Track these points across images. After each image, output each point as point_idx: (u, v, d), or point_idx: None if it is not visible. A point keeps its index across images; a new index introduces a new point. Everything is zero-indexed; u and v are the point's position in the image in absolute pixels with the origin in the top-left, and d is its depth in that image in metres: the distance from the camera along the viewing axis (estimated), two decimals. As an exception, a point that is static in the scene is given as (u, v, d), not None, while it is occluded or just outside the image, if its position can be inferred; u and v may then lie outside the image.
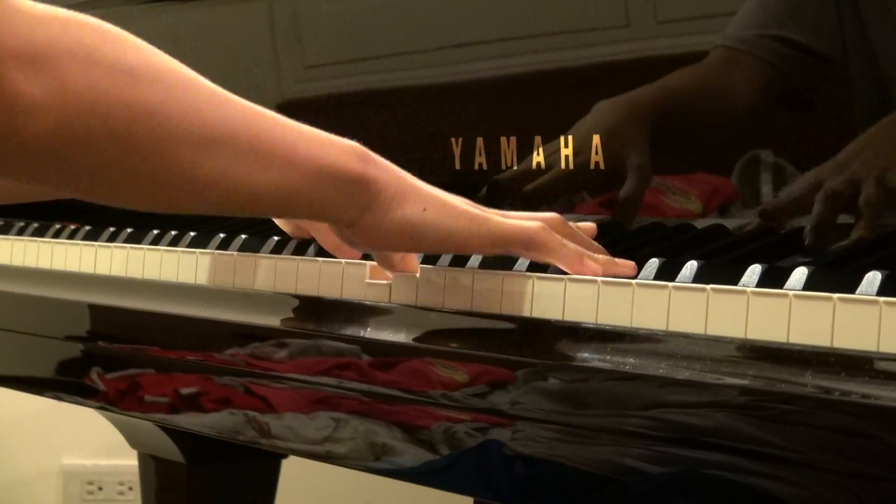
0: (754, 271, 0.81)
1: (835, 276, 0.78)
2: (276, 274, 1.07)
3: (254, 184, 0.85)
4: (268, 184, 0.85)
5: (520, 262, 0.94)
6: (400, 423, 0.92)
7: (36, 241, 1.34)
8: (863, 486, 0.68)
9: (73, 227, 1.35)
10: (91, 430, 2.06)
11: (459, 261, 0.97)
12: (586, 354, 0.82)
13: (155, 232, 1.25)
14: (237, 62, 1.33)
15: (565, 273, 0.88)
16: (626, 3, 1.04)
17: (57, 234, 1.37)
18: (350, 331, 0.97)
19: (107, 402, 1.22)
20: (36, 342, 1.29)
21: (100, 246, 1.26)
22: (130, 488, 2.35)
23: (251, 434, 1.05)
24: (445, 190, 0.92)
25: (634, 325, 0.82)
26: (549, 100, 1.08)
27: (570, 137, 1.04)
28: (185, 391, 1.12)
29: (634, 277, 0.86)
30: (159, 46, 0.83)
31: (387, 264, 0.96)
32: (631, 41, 1.05)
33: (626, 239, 0.98)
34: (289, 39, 1.34)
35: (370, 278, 0.98)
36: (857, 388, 0.69)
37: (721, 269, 0.84)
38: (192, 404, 1.11)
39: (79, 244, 1.28)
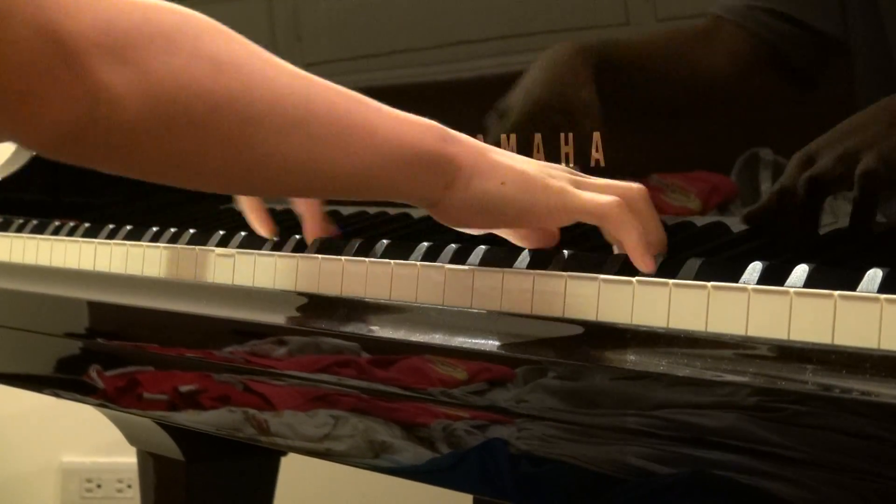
0: (755, 269, 0.81)
1: (836, 273, 0.78)
2: (275, 271, 1.07)
3: (335, 165, 0.85)
4: (349, 165, 0.85)
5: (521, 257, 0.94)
6: (399, 420, 0.92)
7: (35, 238, 1.34)
8: (863, 484, 0.68)
9: (72, 224, 1.35)
10: (90, 427, 2.06)
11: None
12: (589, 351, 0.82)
13: (154, 229, 1.25)
14: (237, 59, 1.32)
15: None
16: (626, 1, 1.04)
17: (56, 231, 1.37)
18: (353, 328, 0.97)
19: (106, 399, 1.22)
20: (35, 339, 1.29)
21: (99, 243, 1.25)
22: (129, 486, 2.35)
23: (250, 431, 1.05)
24: None
25: (635, 323, 0.82)
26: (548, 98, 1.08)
27: (570, 135, 1.04)
28: (184, 388, 1.12)
29: (635, 274, 0.86)
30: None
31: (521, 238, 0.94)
32: (630, 39, 1.05)
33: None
34: (288, 37, 1.34)
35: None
36: (858, 386, 0.69)
37: (722, 267, 0.83)
38: (191, 401, 1.11)
39: (78, 241, 1.28)
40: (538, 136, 1.06)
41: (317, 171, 0.85)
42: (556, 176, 0.90)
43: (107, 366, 1.21)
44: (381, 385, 0.93)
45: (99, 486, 2.37)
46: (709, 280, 0.80)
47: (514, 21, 1.12)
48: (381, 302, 0.97)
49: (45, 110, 0.75)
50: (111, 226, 1.31)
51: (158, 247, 1.19)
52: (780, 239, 0.91)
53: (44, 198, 1.44)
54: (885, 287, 0.75)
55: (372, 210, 1.21)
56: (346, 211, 1.24)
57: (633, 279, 0.83)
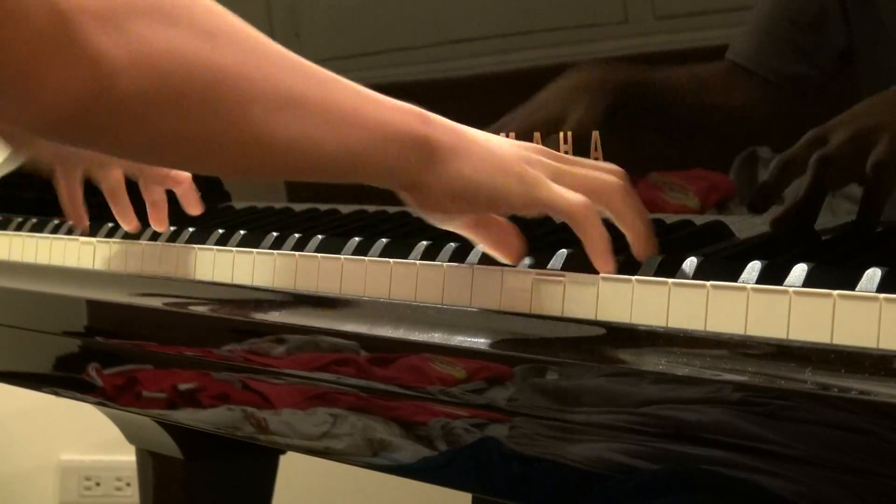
0: (754, 268, 0.81)
1: (835, 272, 0.78)
2: (274, 269, 1.07)
3: (323, 146, 0.85)
4: (336, 146, 0.85)
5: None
6: (398, 419, 0.92)
7: (34, 236, 1.34)
8: (860, 482, 0.68)
9: (71, 222, 1.35)
10: (89, 425, 2.06)
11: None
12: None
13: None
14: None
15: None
16: (625, -1, 1.05)
17: (55, 230, 1.36)
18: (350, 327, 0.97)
19: (105, 397, 1.22)
20: (34, 337, 1.29)
21: (98, 241, 1.25)
22: (128, 484, 2.35)
23: (249, 429, 1.05)
24: None
25: (633, 322, 0.82)
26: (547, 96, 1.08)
27: (568, 133, 1.04)
28: (183, 387, 1.12)
29: (634, 273, 0.86)
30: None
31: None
32: (629, 37, 1.05)
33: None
34: (287, 34, 1.34)
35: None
36: (857, 385, 0.69)
37: (720, 266, 0.83)
38: (190, 400, 1.11)
39: (77, 240, 1.28)
40: (536, 135, 1.06)
41: (307, 151, 0.85)
42: (534, 163, 0.90)
43: (105, 364, 1.21)
44: (379, 383, 0.93)
45: (98, 484, 2.37)
46: (707, 279, 0.80)
47: (512, 19, 1.12)
48: (380, 300, 0.97)
49: (49, 86, 0.74)
50: (110, 224, 1.31)
51: (157, 245, 1.19)
52: (779, 238, 0.91)
53: (42, 196, 1.44)
54: (883, 286, 0.75)
55: (371, 209, 1.21)
56: (346, 209, 1.24)
57: (633, 278, 0.83)
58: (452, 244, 0.98)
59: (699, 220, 0.97)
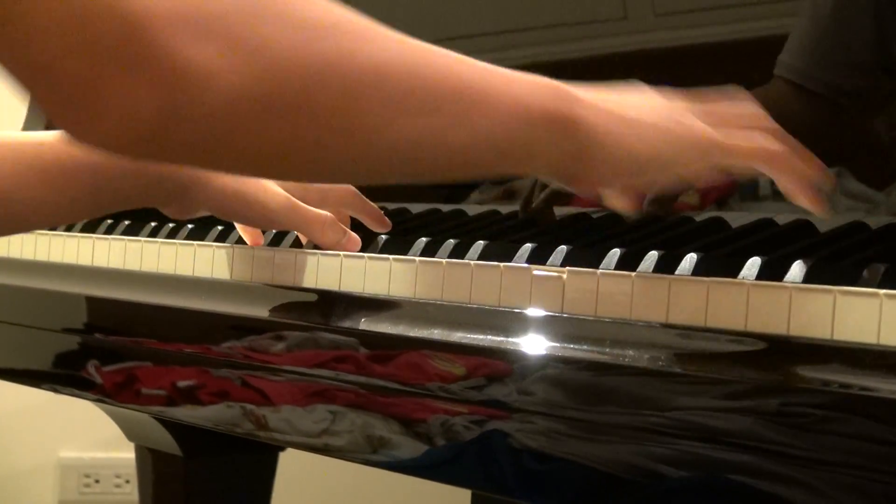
0: (754, 264, 0.81)
1: (835, 268, 0.78)
2: (273, 266, 1.07)
3: (448, 137, 0.75)
4: (463, 136, 0.75)
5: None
6: (397, 416, 0.92)
7: (34, 233, 1.33)
8: (859, 478, 0.68)
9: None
10: (88, 422, 2.06)
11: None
12: (585, 346, 0.82)
13: (153, 224, 1.25)
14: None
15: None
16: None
17: (54, 227, 1.36)
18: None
19: (104, 394, 1.21)
20: (33, 334, 1.29)
21: (97, 238, 1.25)
22: (127, 481, 2.35)
23: (248, 426, 1.05)
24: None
25: (633, 318, 0.82)
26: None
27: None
28: (183, 384, 1.12)
29: (635, 269, 0.86)
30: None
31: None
32: (629, 34, 1.05)
33: (627, 232, 0.98)
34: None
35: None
36: (858, 381, 0.69)
37: (720, 262, 0.83)
38: (189, 397, 1.11)
39: (76, 236, 1.28)
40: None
41: (429, 145, 0.74)
42: (686, 116, 0.81)
43: (105, 361, 1.21)
44: (379, 380, 0.93)
45: (97, 481, 2.37)
46: (707, 275, 0.80)
47: (511, 16, 1.12)
48: (380, 297, 0.97)
49: (121, 97, 0.65)
50: (109, 221, 1.31)
51: (156, 242, 1.19)
52: (779, 234, 0.91)
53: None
54: (884, 282, 0.75)
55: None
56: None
57: (632, 274, 0.82)
58: (452, 241, 0.98)
59: (699, 216, 0.97)
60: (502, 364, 0.85)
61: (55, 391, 1.31)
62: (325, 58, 0.70)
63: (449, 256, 0.97)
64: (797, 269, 0.79)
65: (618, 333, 0.81)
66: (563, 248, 0.90)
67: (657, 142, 0.80)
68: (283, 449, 1.52)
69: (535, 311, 0.86)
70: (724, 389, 0.73)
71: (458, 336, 0.89)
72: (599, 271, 0.84)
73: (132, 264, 1.20)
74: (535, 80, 0.78)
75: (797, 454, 0.70)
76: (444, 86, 0.74)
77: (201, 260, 1.13)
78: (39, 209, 1.06)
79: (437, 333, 0.90)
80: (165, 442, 1.45)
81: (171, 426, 1.42)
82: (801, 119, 0.94)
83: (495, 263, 0.90)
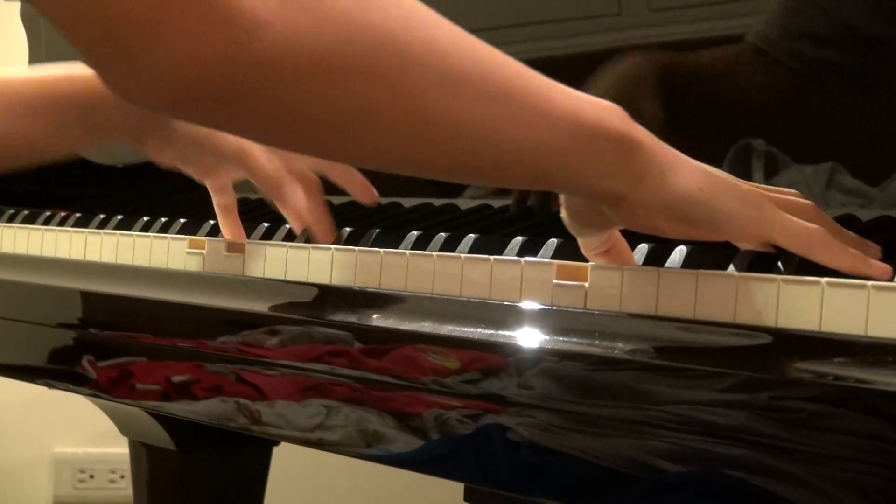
0: (743, 257, 0.81)
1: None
2: (265, 261, 1.07)
3: (503, 133, 0.72)
4: (519, 134, 0.72)
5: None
6: (391, 410, 0.92)
7: (26, 228, 1.33)
8: (854, 471, 0.68)
9: (63, 214, 1.35)
10: (82, 417, 2.06)
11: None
12: (575, 339, 0.82)
13: (145, 219, 1.25)
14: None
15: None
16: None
17: (47, 222, 1.37)
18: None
19: (98, 389, 1.21)
20: (27, 329, 1.29)
21: (90, 233, 1.25)
22: (122, 476, 2.35)
23: (243, 421, 1.05)
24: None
25: (623, 310, 0.82)
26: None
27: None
28: (177, 378, 1.12)
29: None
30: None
31: (594, 251, 0.84)
32: (623, 29, 1.06)
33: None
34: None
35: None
36: (849, 373, 0.69)
37: (710, 255, 0.84)
38: (183, 391, 1.11)
39: (69, 231, 1.28)
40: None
41: (479, 135, 0.71)
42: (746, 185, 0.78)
43: (99, 356, 1.21)
44: (373, 374, 0.93)
45: (91, 476, 2.37)
46: (697, 268, 0.80)
47: (505, 12, 1.12)
48: (372, 290, 0.97)
49: (172, 44, 0.63)
50: (102, 215, 1.31)
51: (148, 236, 1.19)
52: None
53: (34, 188, 1.44)
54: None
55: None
56: (338, 200, 1.24)
57: (623, 268, 0.83)
58: (443, 234, 0.98)
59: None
60: (491, 357, 0.85)
61: (50, 386, 1.31)
62: (386, 25, 0.68)
63: (440, 250, 0.97)
64: (787, 262, 0.79)
65: (607, 326, 0.81)
66: (553, 242, 0.90)
67: (716, 190, 0.76)
68: (277, 443, 1.52)
69: (525, 305, 0.86)
70: (717, 383, 0.73)
71: (449, 329, 0.89)
72: (589, 265, 0.84)
73: (124, 258, 1.20)
74: (593, 98, 0.75)
75: (788, 440, 0.70)
76: (502, 77, 0.72)
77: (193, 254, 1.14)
78: (29, 140, 1.10)
79: (427, 326, 0.90)
80: (159, 437, 1.45)
81: (166, 421, 1.43)
82: (769, 88, 0.95)
83: (486, 256, 0.91)
